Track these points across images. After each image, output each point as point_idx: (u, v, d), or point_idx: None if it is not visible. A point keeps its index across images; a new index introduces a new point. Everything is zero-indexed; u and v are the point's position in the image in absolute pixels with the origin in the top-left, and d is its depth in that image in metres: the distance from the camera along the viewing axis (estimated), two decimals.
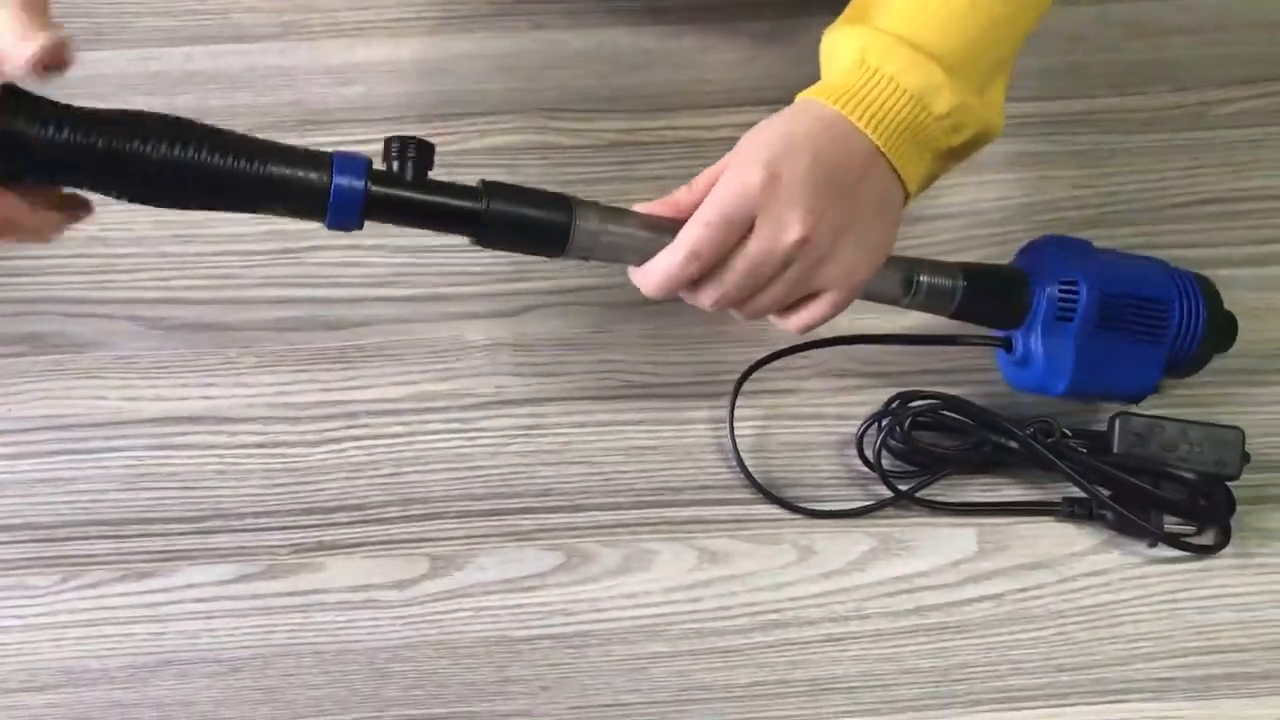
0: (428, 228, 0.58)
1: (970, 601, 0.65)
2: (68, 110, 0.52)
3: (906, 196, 0.60)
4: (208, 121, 0.54)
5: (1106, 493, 0.65)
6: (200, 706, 0.62)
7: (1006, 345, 0.66)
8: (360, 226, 0.56)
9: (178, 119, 0.53)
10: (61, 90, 0.78)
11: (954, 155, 0.61)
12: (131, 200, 0.54)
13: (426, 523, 0.67)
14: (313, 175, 0.53)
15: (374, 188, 0.54)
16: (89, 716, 0.62)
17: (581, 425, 0.69)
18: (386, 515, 0.67)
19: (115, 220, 0.74)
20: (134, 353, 0.70)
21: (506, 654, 0.63)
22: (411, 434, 0.69)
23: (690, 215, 0.57)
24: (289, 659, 0.63)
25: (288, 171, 0.53)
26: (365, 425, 0.69)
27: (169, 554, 0.65)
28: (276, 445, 0.68)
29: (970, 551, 0.66)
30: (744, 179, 0.56)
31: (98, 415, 0.69)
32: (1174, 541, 0.65)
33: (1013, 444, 0.66)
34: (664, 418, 0.69)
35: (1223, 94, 0.79)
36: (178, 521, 0.66)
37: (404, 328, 0.71)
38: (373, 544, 0.66)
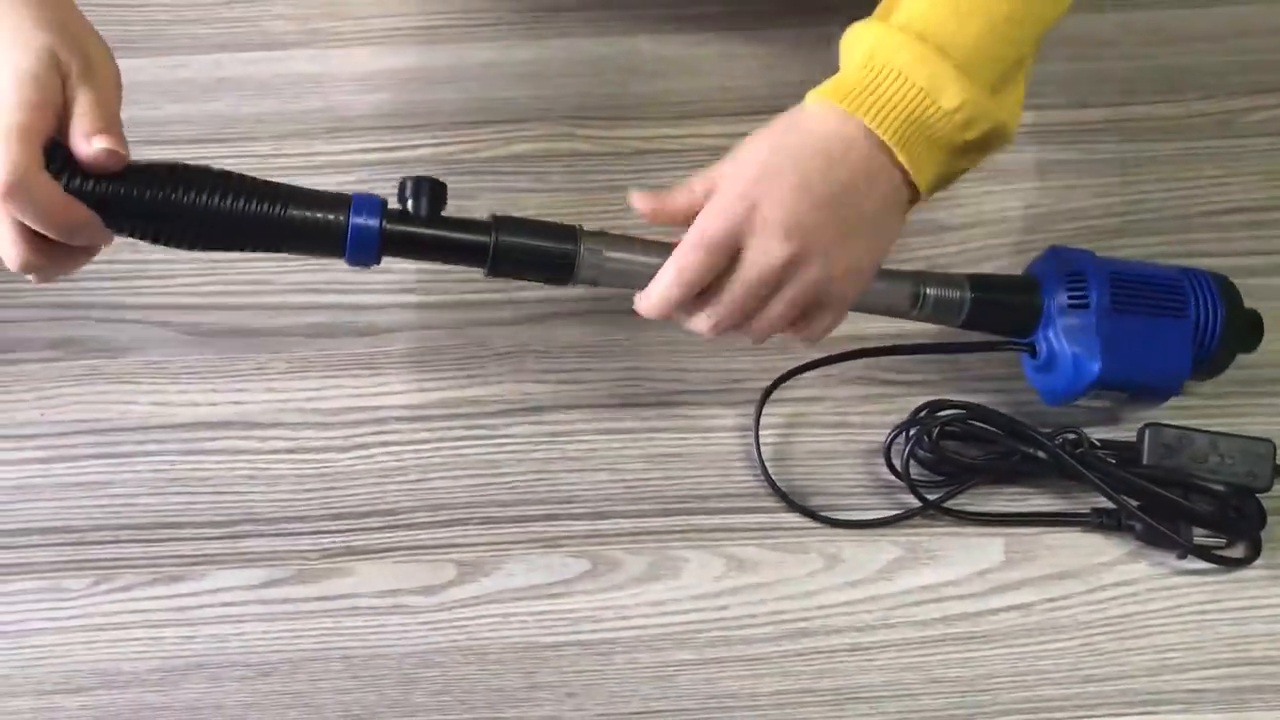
0: (441, 261, 0.61)
1: (997, 611, 0.65)
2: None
3: (916, 195, 0.60)
4: (229, 163, 0.56)
5: (1135, 504, 0.65)
6: (230, 710, 0.63)
7: (1031, 350, 0.66)
8: (378, 262, 0.59)
9: (202, 168, 0.56)
10: None
11: (968, 154, 0.60)
12: (161, 244, 0.57)
13: (454, 529, 0.67)
14: (331, 216, 0.57)
15: (389, 226, 0.58)
16: (121, 718, 0.62)
17: (607, 432, 0.69)
18: (414, 521, 0.67)
19: None
20: (166, 358, 0.71)
21: (534, 660, 0.64)
22: (439, 440, 0.69)
23: (685, 220, 0.58)
24: (318, 663, 0.64)
25: (307, 214, 0.57)
26: (394, 431, 0.69)
27: (199, 558, 0.66)
28: (306, 450, 0.69)
29: (997, 561, 0.66)
30: (725, 206, 0.57)
31: (130, 420, 0.69)
32: (1203, 554, 0.65)
33: (1041, 454, 0.66)
34: (690, 425, 0.70)
35: (1250, 101, 0.79)
36: (208, 526, 0.67)
37: (432, 334, 0.71)
38: (401, 549, 0.66)
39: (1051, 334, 0.65)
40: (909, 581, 0.66)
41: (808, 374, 0.70)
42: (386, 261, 0.72)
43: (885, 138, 0.57)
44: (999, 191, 0.77)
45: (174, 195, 0.55)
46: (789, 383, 0.70)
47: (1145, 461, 0.66)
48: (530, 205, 0.74)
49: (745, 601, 0.65)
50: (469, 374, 0.71)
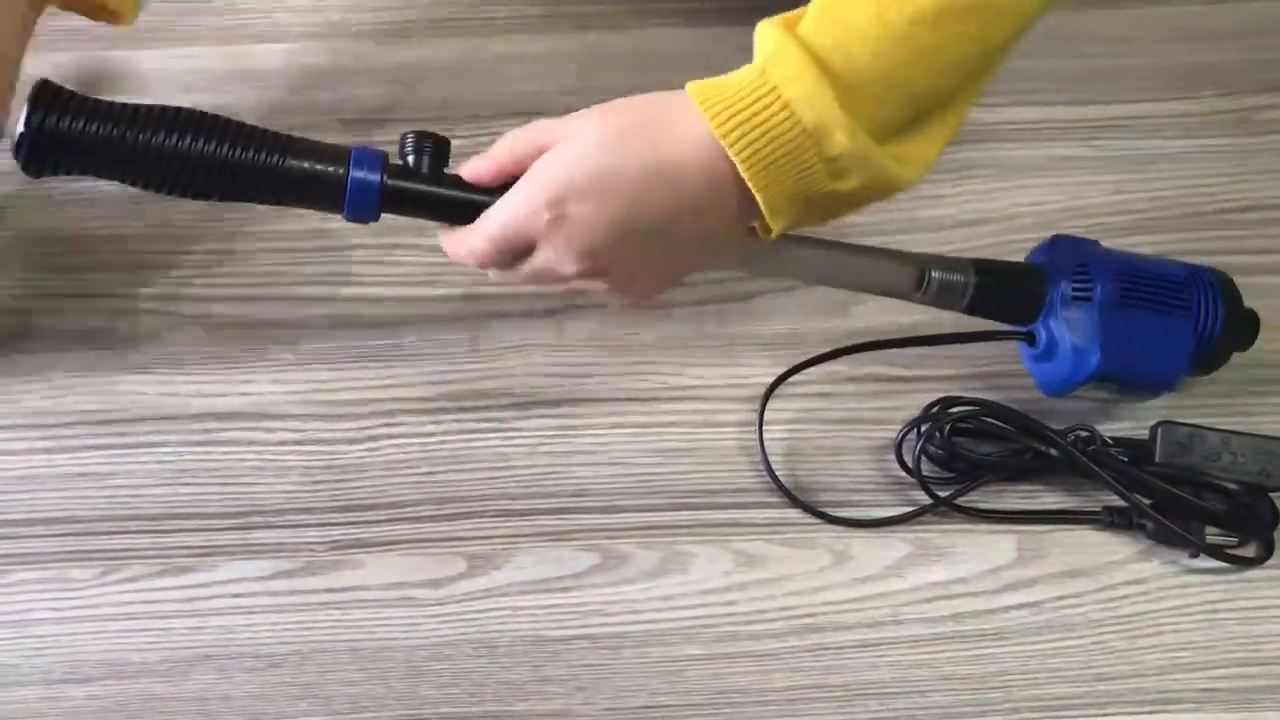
0: (442, 220, 0.59)
1: (1008, 609, 0.65)
2: (96, 105, 0.53)
3: (764, 229, 0.56)
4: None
5: (1147, 502, 0.65)
6: (238, 701, 0.62)
7: (1030, 339, 0.66)
8: (376, 219, 0.57)
9: (201, 113, 0.54)
10: (111, 89, 0.79)
11: (839, 203, 0.56)
12: (154, 190, 0.55)
13: (463, 522, 0.67)
14: (330, 169, 0.55)
15: (390, 181, 0.56)
16: (129, 708, 0.62)
17: (617, 426, 0.69)
18: (423, 514, 0.67)
19: (157, 217, 0.75)
20: (175, 348, 0.71)
21: (543, 654, 0.63)
22: (447, 433, 0.69)
23: (499, 178, 0.56)
24: (326, 655, 0.63)
25: (306, 165, 0.55)
26: (402, 424, 0.69)
27: (208, 549, 0.66)
28: (315, 442, 0.68)
29: (1009, 559, 0.66)
30: (532, 211, 0.54)
31: (138, 410, 0.69)
32: (1215, 553, 0.65)
33: (1053, 451, 0.66)
34: (699, 420, 0.69)
35: (1268, 99, 0.78)
36: (216, 517, 0.67)
37: (441, 327, 0.71)
38: (409, 542, 0.66)
39: (1053, 323, 0.65)
40: (919, 578, 0.65)
41: (816, 369, 0.69)
42: (397, 254, 0.74)
43: (747, 175, 0.53)
44: (1009, 188, 0.76)
45: (166, 140, 0.52)
46: (798, 377, 0.69)
47: (1158, 459, 0.66)
48: None
49: (754, 597, 0.65)
50: (478, 367, 0.70)
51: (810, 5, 0.54)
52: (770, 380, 0.69)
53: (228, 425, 0.69)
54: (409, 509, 0.67)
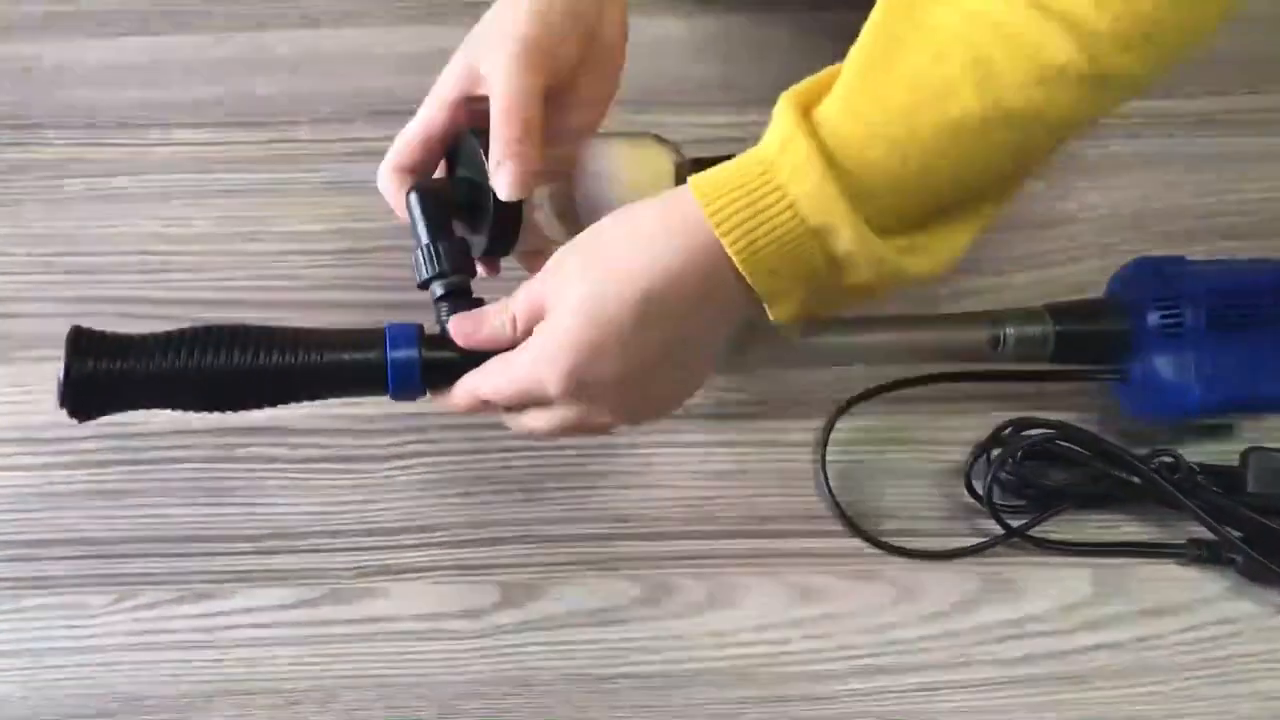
0: None
1: (1085, 650, 0.60)
2: (129, 341, 0.53)
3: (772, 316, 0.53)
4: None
5: (1237, 535, 0.60)
6: None
7: (1123, 376, 0.62)
8: (424, 393, 0.55)
9: (232, 327, 0.54)
10: (131, 73, 0.76)
11: (844, 295, 0.53)
12: (206, 411, 0.55)
13: (498, 548, 0.63)
14: (369, 355, 0.54)
15: (428, 354, 0.54)
16: None
17: (665, 446, 0.65)
18: (457, 538, 0.63)
19: (175, 216, 0.71)
20: None
21: (584, 693, 0.59)
22: (483, 451, 0.65)
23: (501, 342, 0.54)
24: (352, 693, 0.59)
25: (345, 357, 0.54)
26: (434, 441, 0.65)
27: (228, 575, 0.62)
28: (341, 460, 0.65)
29: (1085, 595, 0.61)
30: (543, 384, 0.52)
31: (155, 424, 0.65)
32: None
33: (1134, 479, 0.61)
34: (754, 439, 0.65)
35: None
36: (237, 540, 0.63)
37: None
38: (441, 569, 0.62)
39: (1144, 361, 0.61)
40: (989, 616, 0.61)
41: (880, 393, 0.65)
42: None
43: (748, 274, 0.50)
44: (1083, 188, 0.72)
45: (204, 360, 0.52)
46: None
47: (1250, 489, 0.61)
48: None
49: (811, 634, 0.60)
50: None
51: (837, 84, 0.50)
52: (826, 396, 0.65)
53: (249, 440, 0.65)
54: (441, 533, 0.63)
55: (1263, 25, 0.75)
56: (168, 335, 0.53)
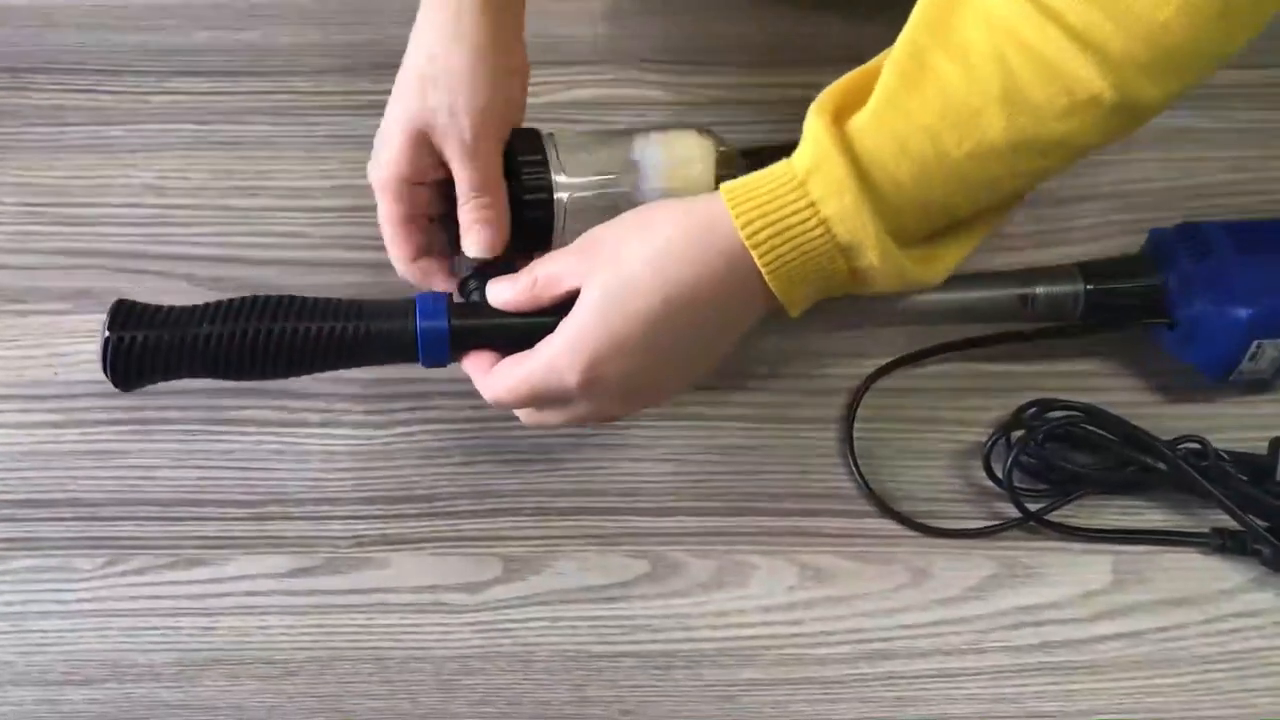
0: (517, 349, 0.55)
1: (1103, 639, 0.58)
2: (169, 312, 0.55)
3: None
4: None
5: (1264, 525, 0.58)
6: (250, 711, 0.57)
7: (1169, 323, 0.60)
8: (452, 360, 0.56)
9: (266, 297, 0.55)
10: (125, 20, 0.73)
11: (862, 294, 0.54)
12: (243, 379, 0.56)
13: (500, 519, 0.61)
14: (400, 325, 0.55)
15: (456, 323, 0.55)
16: (132, 715, 0.57)
17: (673, 419, 0.63)
18: (457, 509, 0.61)
19: (172, 168, 0.69)
20: None
21: (585, 671, 0.58)
22: (486, 419, 0.63)
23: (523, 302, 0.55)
24: (347, 664, 0.58)
25: (377, 325, 0.55)
26: (437, 407, 0.63)
27: (221, 541, 0.60)
28: (340, 425, 0.63)
29: (1104, 583, 0.59)
30: (561, 375, 0.52)
31: None
32: None
33: (1160, 465, 0.59)
34: (765, 414, 0.63)
35: None
36: (231, 505, 0.61)
37: None
38: (441, 540, 0.60)
39: (1184, 301, 0.59)
40: (1005, 602, 0.59)
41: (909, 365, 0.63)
42: None
43: (773, 284, 0.52)
44: (1116, 161, 0.69)
45: (241, 331, 0.54)
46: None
47: (1278, 478, 0.59)
48: None
49: (820, 616, 0.58)
50: None
51: (872, 99, 0.51)
52: (841, 373, 0.63)
53: (245, 402, 0.63)
54: (442, 503, 0.61)
55: None
56: (205, 307, 0.55)
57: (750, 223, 0.51)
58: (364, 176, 0.67)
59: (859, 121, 0.51)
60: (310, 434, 0.62)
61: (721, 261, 0.51)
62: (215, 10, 0.74)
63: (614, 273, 0.52)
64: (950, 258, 0.55)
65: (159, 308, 0.55)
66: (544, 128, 0.60)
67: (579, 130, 0.61)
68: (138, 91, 0.71)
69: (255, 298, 0.55)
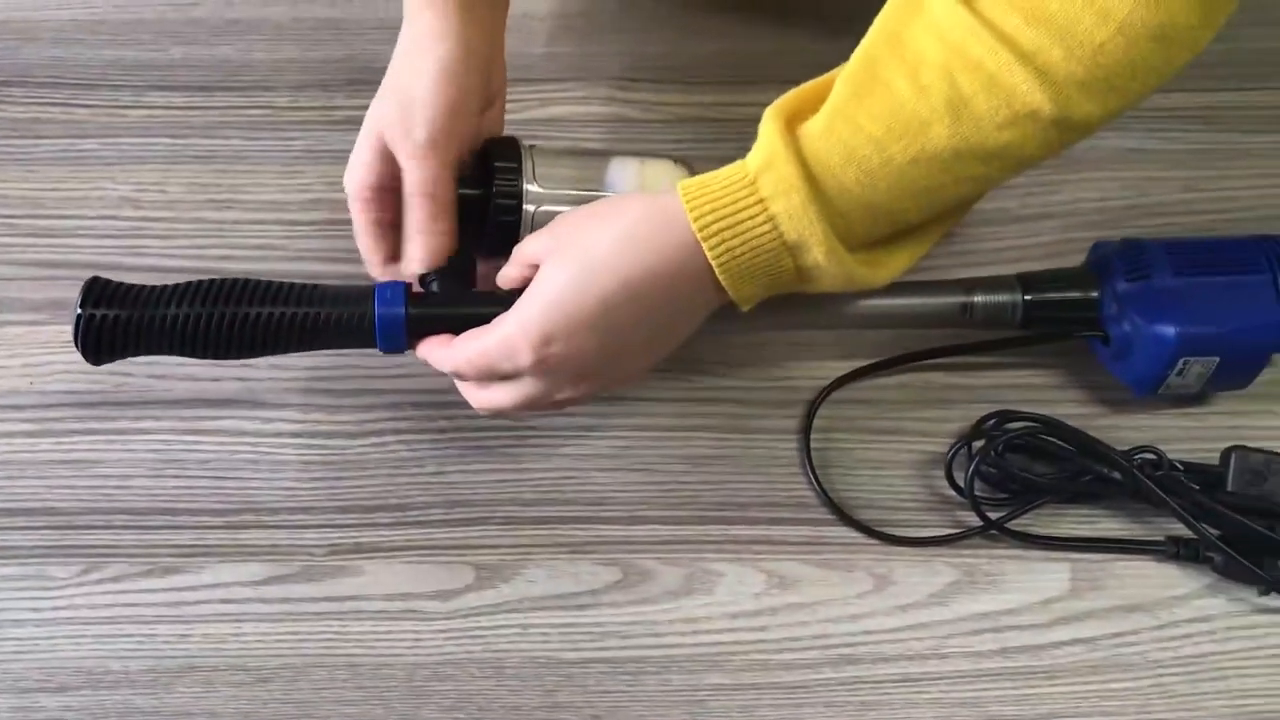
0: None
1: (1060, 645, 0.60)
2: (140, 291, 0.56)
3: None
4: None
5: (1216, 533, 0.60)
6: (225, 718, 0.57)
7: (1103, 337, 0.62)
8: (410, 347, 0.57)
9: (234, 280, 0.57)
10: (100, 35, 0.74)
11: (811, 292, 0.56)
12: (209, 358, 0.57)
13: (472, 528, 0.62)
14: (358, 310, 0.56)
15: (414, 310, 0.57)
16: None
17: (643, 429, 0.64)
18: (430, 518, 0.62)
19: (148, 181, 0.70)
20: None
21: (555, 677, 0.59)
22: (458, 429, 0.64)
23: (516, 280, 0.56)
24: (321, 671, 0.58)
25: (336, 311, 0.56)
26: (409, 417, 0.64)
27: (196, 549, 0.61)
28: (314, 435, 0.63)
29: (1062, 589, 0.61)
30: (516, 349, 0.54)
31: (124, 394, 0.64)
32: None
33: (1115, 474, 0.61)
34: (732, 425, 0.64)
35: None
36: (206, 514, 0.62)
37: None
38: (414, 549, 0.61)
39: (1119, 316, 0.61)
40: (965, 608, 0.60)
41: (862, 377, 0.64)
42: None
43: (721, 275, 0.53)
44: (1073, 181, 0.71)
45: (209, 312, 0.56)
46: (840, 384, 0.64)
47: (1229, 488, 0.61)
48: None
49: (786, 623, 0.60)
50: None
51: (825, 105, 0.53)
52: (807, 384, 0.64)
53: (220, 413, 0.64)
54: (415, 512, 0.62)
55: (1248, 23, 0.74)
56: (175, 288, 0.56)
57: (702, 217, 0.52)
58: (339, 190, 0.68)
59: (810, 127, 0.53)
60: (285, 443, 0.63)
61: (677, 253, 0.53)
62: (191, 26, 0.75)
63: (576, 253, 0.53)
64: (896, 262, 0.56)
65: (130, 286, 0.56)
66: (526, 140, 0.61)
67: (559, 146, 0.62)
68: (113, 105, 0.72)
69: (223, 281, 0.56)
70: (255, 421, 0.64)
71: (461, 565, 0.61)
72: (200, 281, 0.57)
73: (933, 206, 0.55)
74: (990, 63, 0.50)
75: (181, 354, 0.57)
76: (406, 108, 0.57)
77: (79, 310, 0.55)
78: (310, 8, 0.75)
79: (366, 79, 0.70)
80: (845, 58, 0.54)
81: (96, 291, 0.56)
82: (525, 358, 0.53)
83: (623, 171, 0.61)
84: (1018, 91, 0.50)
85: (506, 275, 0.57)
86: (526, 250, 0.56)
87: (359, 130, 0.59)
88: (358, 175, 0.59)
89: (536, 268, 0.55)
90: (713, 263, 0.53)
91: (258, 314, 0.56)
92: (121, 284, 0.57)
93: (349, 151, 0.60)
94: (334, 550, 0.61)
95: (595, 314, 0.53)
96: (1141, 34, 0.49)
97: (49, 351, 0.65)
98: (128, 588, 0.60)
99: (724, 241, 0.52)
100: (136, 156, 0.70)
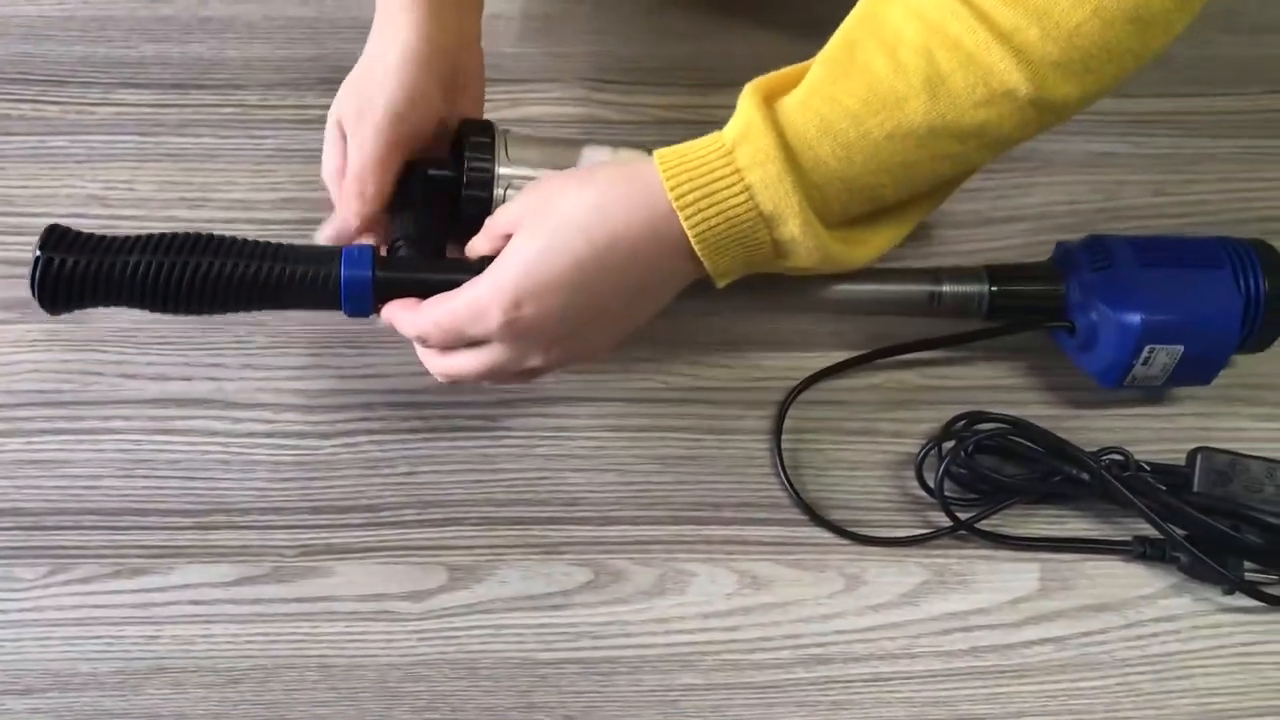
0: None
1: (1030, 644, 0.60)
2: (100, 240, 0.55)
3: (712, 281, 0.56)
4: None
5: (1182, 533, 0.61)
6: (194, 719, 0.57)
7: (1069, 327, 0.63)
8: (375, 312, 0.57)
9: (198, 235, 0.56)
10: (70, 31, 0.73)
11: (789, 271, 0.56)
12: (170, 312, 0.56)
13: (445, 529, 0.62)
14: (323, 271, 0.56)
15: (380, 274, 0.56)
16: None
17: (616, 429, 0.64)
18: (402, 518, 0.62)
19: (117, 179, 0.69)
20: (134, 325, 0.65)
21: (529, 678, 0.59)
22: (431, 430, 0.63)
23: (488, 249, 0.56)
24: (293, 672, 0.58)
25: (301, 269, 0.56)
26: (382, 418, 0.64)
27: (166, 550, 0.60)
28: (286, 435, 0.63)
29: (1031, 589, 0.61)
30: (485, 310, 0.53)
31: (93, 393, 0.64)
32: (1251, 590, 0.60)
33: (1084, 475, 0.61)
34: (706, 426, 0.64)
35: None
36: (176, 514, 0.61)
37: None
38: (387, 549, 0.61)
39: (1084, 307, 0.62)
40: (936, 608, 0.61)
41: (833, 377, 0.65)
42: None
43: (697, 246, 0.53)
44: (1043, 184, 0.72)
45: (171, 264, 0.55)
46: (812, 385, 0.64)
47: (1195, 488, 0.61)
48: None
49: (758, 623, 0.60)
50: None
51: (801, 84, 0.53)
52: (780, 384, 0.64)
53: (191, 413, 0.63)
54: (387, 513, 0.62)
55: (1217, 30, 0.75)
56: (137, 239, 0.55)
57: (678, 185, 0.52)
58: (311, 190, 0.68)
59: (788, 101, 0.53)
60: (256, 444, 0.63)
61: (651, 221, 0.53)
62: (162, 23, 0.74)
63: (550, 216, 0.53)
64: (875, 242, 0.57)
65: (91, 235, 0.55)
66: (501, 127, 0.61)
67: (533, 134, 0.62)
68: (83, 102, 0.71)
69: (188, 235, 0.56)
70: (226, 421, 0.63)
71: (434, 566, 0.61)
72: (164, 234, 0.55)
73: (910, 184, 0.55)
74: (968, 40, 0.51)
75: (141, 305, 0.55)
76: (363, 96, 0.58)
77: (37, 253, 0.54)
78: (282, 6, 0.75)
79: (338, 78, 0.69)
80: None
81: (56, 237, 0.55)
82: (494, 319, 0.53)
83: (596, 157, 0.61)
84: (995, 70, 0.51)
85: (475, 246, 0.57)
86: (498, 221, 0.56)
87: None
88: (328, 163, 0.60)
89: (508, 238, 0.54)
90: (688, 232, 0.53)
91: (220, 266, 0.55)
92: (82, 232, 0.55)
93: (320, 150, 0.60)
94: (305, 551, 0.61)
95: (567, 277, 0.53)
96: (1118, 16, 0.50)
97: (18, 350, 0.64)
98: (96, 589, 0.60)
99: (700, 210, 0.52)
100: (106, 154, 0.70)
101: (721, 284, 0.56)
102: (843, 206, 0.55)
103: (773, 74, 0.55)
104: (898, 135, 0.52)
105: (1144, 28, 0.51)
